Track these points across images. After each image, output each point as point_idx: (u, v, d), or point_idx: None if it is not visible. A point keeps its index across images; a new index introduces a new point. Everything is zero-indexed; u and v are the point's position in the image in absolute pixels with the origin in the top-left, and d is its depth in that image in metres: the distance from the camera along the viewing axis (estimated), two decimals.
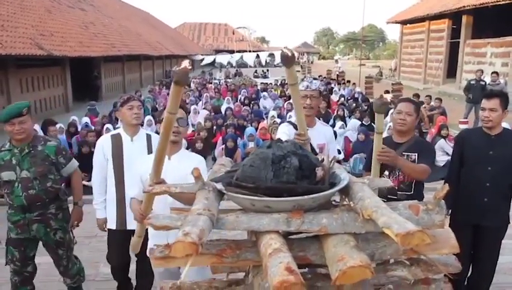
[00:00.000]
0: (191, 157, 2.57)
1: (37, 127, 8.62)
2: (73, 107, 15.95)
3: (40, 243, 3.21)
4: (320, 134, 3.03)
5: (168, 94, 15.19)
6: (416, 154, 2.90)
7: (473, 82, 12.04)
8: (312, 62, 33.14)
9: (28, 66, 13.31)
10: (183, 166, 2.32)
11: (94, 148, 3.66)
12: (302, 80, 3.00)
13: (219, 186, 1.58)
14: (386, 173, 2.93)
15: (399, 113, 2.94)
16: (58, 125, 8.71)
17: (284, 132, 2.90)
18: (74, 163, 3.24)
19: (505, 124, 3.72)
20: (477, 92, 11.37)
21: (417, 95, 12.63)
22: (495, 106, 2.99)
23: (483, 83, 11.87)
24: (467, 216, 3.15)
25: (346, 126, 8.98)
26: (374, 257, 1.52)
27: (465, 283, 3.30)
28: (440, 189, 1.50)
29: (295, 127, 2.76)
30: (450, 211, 3.23)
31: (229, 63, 35.37)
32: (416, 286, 1.63)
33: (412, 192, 2.90)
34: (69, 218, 3.22)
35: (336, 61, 30.10)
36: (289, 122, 3.20)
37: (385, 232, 1.24)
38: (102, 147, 3.11)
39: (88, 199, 3.41)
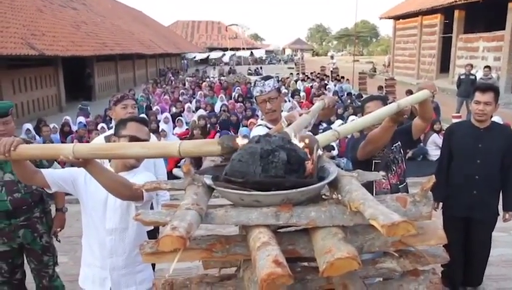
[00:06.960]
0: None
1: (30, 126, 8.62)
2: (66, 107, 15.89)
3: None
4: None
5: (162, 93, 15.28)
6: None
7: (462, 76, 12.14)
8: (302, 58, 33.17)
9: (20, 66, 13.23)
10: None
11: None
12: (254, 84, 2.77)
13: (208, 181, 1.59)
14: (383, 173, 2.91)
15: None
16: (51, 125, 8.71)
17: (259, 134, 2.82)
18: (56, 166, 3.11)
19: (495, 118, 3.75)
20: (467, 86, 11.45)
21: (410, 92, 12.66)
22: (490, 99, 2.99)
23: (473, 77, 11.97)
24: (458, 209, 3.17)
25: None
26: (363, 249, 1.53)
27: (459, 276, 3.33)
28: (427, 181, 1.51)
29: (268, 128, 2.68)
30: (440, 204, 3.25)
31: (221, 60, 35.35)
32: (405, 278, 1.64)
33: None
34: (51, 222, 3.10)
35: (331, 57, 30.06)
36: (261, 124, 3.11)
37: (371, 223, 1.25)
38: None
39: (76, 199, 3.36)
